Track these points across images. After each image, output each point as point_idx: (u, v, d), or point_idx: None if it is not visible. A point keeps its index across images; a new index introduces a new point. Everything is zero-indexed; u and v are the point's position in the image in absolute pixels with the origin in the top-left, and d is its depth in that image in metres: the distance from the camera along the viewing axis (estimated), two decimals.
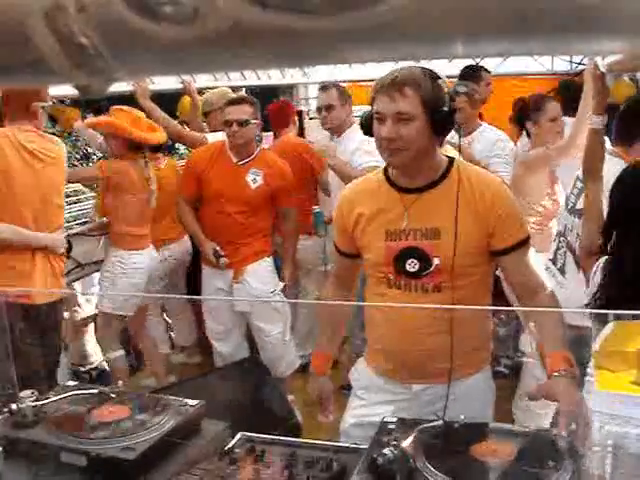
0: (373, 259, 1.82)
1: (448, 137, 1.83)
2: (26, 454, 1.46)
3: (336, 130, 3.64)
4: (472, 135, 3.40)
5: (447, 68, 3.51)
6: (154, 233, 3.68)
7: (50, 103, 2.77)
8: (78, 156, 10.88)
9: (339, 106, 3.59)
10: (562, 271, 2.82)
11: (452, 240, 1.69)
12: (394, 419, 1.50)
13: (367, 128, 1.76)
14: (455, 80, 3.63)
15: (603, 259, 1.96)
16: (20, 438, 1.49)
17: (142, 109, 3.68)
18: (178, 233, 3.99)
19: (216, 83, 4.51)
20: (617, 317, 1.89)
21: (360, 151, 3.31)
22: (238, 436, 1.52)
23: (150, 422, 1.51)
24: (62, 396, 1.67)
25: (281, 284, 3.50)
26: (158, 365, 3.98)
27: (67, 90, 2.74)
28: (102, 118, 3.65)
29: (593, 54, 1.97)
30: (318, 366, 2.05)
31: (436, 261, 1.72)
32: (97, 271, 3.71)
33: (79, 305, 3.85)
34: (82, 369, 3.87)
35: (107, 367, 3.78)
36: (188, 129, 4.12)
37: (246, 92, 4.37)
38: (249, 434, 1.53)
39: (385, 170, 1.83)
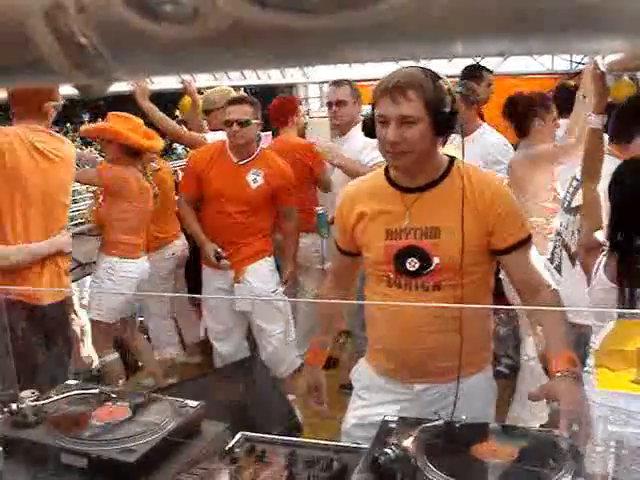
0: (373, 258, 1.82)
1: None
2: (26, 454, 1.46)
3: (343, 128, 3.62)
4: (472, 136, 3.39)
5: (447, 68, 3.52)
6: (150, 234, 3.67)
7: (62, 102, 2.76)
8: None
9: (351, 103, 3.58)
10: (559, 269, 2.83)
11: (452, 239, 1.70)
12: (395, 419, 1.50)
13: (369, 130, 1.76)
14: (456, 80, 3.64)
15: (604, 258, 1.97)
16: (20, 438, 1.49)
17: (139, 110, 3.68)
18: (175, 232, 3.99)
19: (216, 83, 4.51)
20: (618, 316, 1.90)
21: (368, 148, 3.30)
22: (238, 436, 1.51)
23: (150, 423, 1.51)
24: (62, 396, 1.67)
25: (282, 288, 3.50)
26: (154, 365, 3.97)
27: (67, 90, 2.74)
28: (98, 124, 3.65)
29: (593, 53, 1.98)
30: (312, 357, 2.09)
31: (436, 260, 1.72)
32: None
33: (75, 312, 3.83)
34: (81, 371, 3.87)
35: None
36: (186, 128, 4.12)
37: (245, 91, 4.36)
38: (249, 434, 1.52)
39: (386, 170, 1.83)
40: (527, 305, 1.86)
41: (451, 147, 1.85)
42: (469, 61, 4.29)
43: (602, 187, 2.15)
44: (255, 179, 3.34)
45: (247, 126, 3.25)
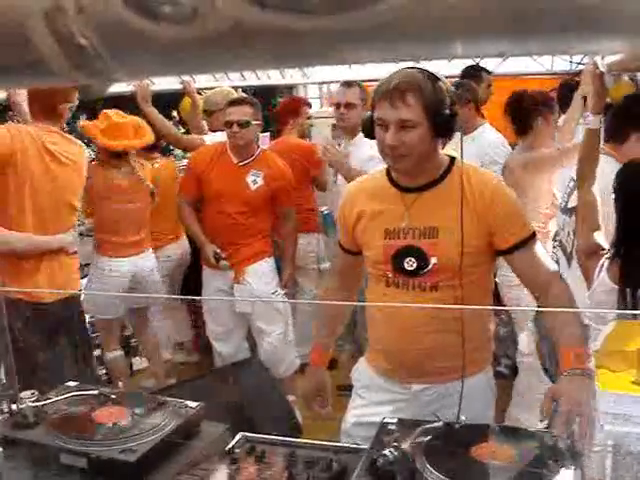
0: (372, 257, 1.82)
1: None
2: (26, 455, 1.46)
3: (350, 130, 3.59)
4: (471, 135, 3.39)
5: (447, 68, 3.52)
6: (149, 235, 3.66)
7: (77, 103, 2.75)
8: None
9: (359, 106, 3.53)
10: None
11: (450, 239, 1.69)
12: (394, 420, 1.50)
13: (368, 131, 1.76)
14: (456, 80, 3.63)
15: (606, 262, 1.96)
16: (20, 439, 1.49)
17: (135, 109, 3.66)
18: (175, 234, 3.97)
19: (216, 83, 4.50)
20: (618, 317, 1.89)
21: (375, 160, 3.26)
22: (238, 436, 1.51)
23: (150, 424, 1.51)
24: (62, 397, 1.67)
25: (282, 290, 3.49)
26: (159, 367, 3.97)
27: None
28: (83, 123, 3.61)
29: (593, 53, 1.98)
30: (316, 358, 2.05)
31: (434, 260, 1.72)
32: None
33: None
34: None
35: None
36: (184, 129, 4.11)
37: (244, 92, 4.35)
38: (249, 434, 1.52)
39: (388, 169, 1.83)
40: (540, 302, 1.83)
41: (449, 147, 1.85)
42: (469, 61, 4.28)
43: (600, 187, 2.15)
44: (255, 180, 3.34)
45: (247, 127, 3.25)
